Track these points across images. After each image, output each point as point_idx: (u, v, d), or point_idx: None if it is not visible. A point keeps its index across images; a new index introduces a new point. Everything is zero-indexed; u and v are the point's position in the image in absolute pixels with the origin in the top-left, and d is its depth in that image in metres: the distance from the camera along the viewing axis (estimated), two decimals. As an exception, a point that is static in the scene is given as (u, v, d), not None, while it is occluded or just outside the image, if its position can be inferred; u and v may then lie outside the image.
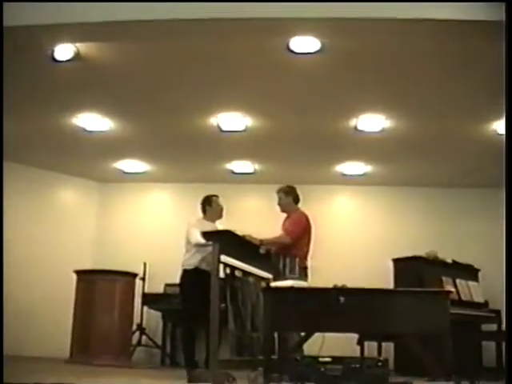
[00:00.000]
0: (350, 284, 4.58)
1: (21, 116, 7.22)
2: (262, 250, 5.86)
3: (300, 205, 6.52)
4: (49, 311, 8.61)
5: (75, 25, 4.77)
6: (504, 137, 4.42)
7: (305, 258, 6.17)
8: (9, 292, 8.03)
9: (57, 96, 6.62)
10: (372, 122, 6.96)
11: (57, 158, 8.85)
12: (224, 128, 7.22)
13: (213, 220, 6.19)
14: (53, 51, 5.50)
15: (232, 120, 7.05)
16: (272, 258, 6.06)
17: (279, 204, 6.44)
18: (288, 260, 5.99)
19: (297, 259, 6.03)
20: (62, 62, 5.61)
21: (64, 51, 5.52)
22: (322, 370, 3.98)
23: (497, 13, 4.17)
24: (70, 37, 5.23)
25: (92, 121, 7.28)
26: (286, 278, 5.71)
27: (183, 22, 4.68)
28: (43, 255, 8.94)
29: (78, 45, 5.44)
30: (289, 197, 6.41)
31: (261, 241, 5.93)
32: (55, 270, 8.72)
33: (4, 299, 7.57)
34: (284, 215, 6.47)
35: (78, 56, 5.56)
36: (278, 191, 6.44)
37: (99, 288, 7.70)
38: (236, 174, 8.99)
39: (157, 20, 4.64)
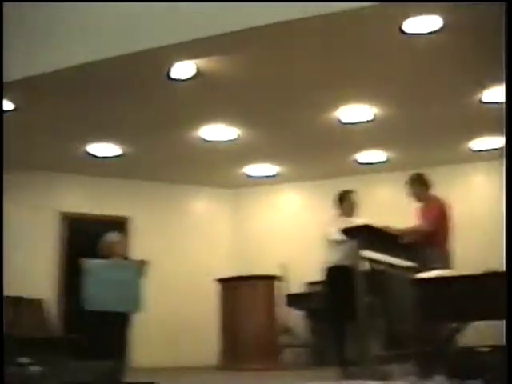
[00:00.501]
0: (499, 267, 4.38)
1: (152, 137, 7.67)
2: (403, 241, 5.76)
3: (434, 190, 6.32)
4: (193, 321, 8.95)
5: (197, 41, 4.93)
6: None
7: (446, 244, 6.01)
8: (158, 306, 8.41)
9: (179, 112, 6.93)
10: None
11: (187, 171, 9.24)
12: (345, 120, 7.20)
13: (349, 215, 6.15)
14: (169, 70, 5.75)
15: (357, 112, 7.01)
16: (415, 248, 5.94)
17: (411, 195, 6.28)
18: (430, 249, 5.85)
19: (438, 247, 5.88)
20: (181, 80, 5.86)
21: (183, 69, 5.75)
22: (483, 360, 3.82)
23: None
24: (189, 54, 5.42)
25: (218, 131, 7.52)
26: (431, 268, 5.55)
27: (307, 19, 4.72)
28: (184, 266, 9.31)
29: (197, 61, 5.64)
30: (419, 185, 6.23)
31: (401, 232, 5.84)
32: (199, 280, 9.03)
33: (153, 313, 7.92)
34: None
35: (198, 72, 5.76)
36: (407, 182, 6.29)
37: (242, 294, 7.91)
38: (365, 164, 8.91)
39: (282, 22, 4.71)
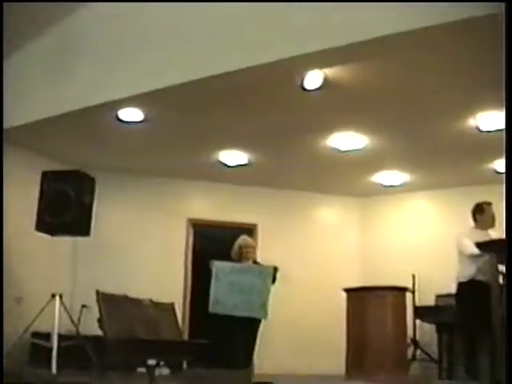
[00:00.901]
0: None
1: (281, 146, 7.83)
2: None
3: None
4: (320, 329, 8.95)
5: (325, 51, 4.95)
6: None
7: None
8: (287, 316, 8.51)
9: (309, 120, 6.97)
10: None
11: (315, 180, 9.29)
12: (483, 128, 6.95)
13: (485, 228, 5.96)
14: (303, 80, 5.83)
15: (491, 119, 6.75)
16: None
17: None
18: None
19: None
20: (312, 90, 5.92)
21: (313, 78, 5.81)
22: None
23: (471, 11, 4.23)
24: (320, 63, 5.46)
25: (347, 140, 7.52)
26: None
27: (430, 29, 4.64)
28: (310, 274, 9.35)
29: (326, 70, 5.67)
30: None
31: None
32: (325, 289, 9.04)
33: (280, 320, 8.00)
34: None
35: (326, 81, 5.78)
36: None
37: (370, 304, 7.82)
38: (500, 173, 8.55)
39: (407, 31, 4.63)
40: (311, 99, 6.29)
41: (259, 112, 6.79)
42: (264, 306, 6.55)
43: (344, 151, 7.78)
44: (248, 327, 6.75)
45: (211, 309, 6.67)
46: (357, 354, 7.83)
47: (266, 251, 8.30)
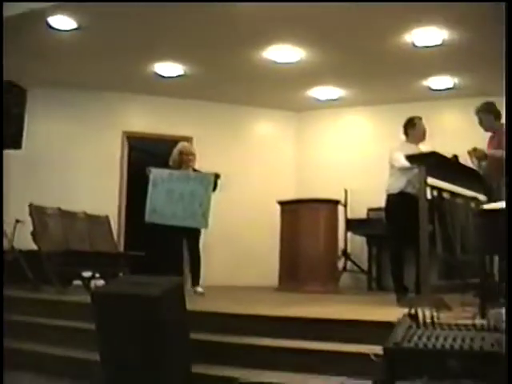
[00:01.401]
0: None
1: (216, 57, 7.72)
2: (480, 171, 5.76)
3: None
4: (257, 243, 9.18)
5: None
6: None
7: None
8: (224, 226, 8.65)
9: (244, 32, 6.94)
10: None
11: (250, 92, 9.25)
12: (418, 44, 7.05)
13: (416, 142, 6.11)
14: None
15: (427, 35, 6.85)
16: (484, 178, 5.90)
17: (481, 124, 6.16)
18: (503, 180, 5.79)
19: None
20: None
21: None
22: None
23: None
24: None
25: (283, 52, 7.49)
26: (501, 199, 5.47)
27: None
28: (249, 187, 9.48)
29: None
30: (490, 114, 6.08)
31: (485, 154, 5.81)
32: (261, 202, 9.22)
33: (217, 234, 8.15)
34: (488, 135, 6.20)
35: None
36: (477, 112, 6.14)
37: (303, 217, 8.03)
38: (434, 90, 8.75)
39: None
40: (247, 10, 6.22)
41: (195, 23, 6.68)
42: (205, 216, 6.34)
43: (280, 63, 7.76)
44: (189, 237, 6.62)
45: (148, 218, 6.40)
46: (290, 265, 8.05)
47: (201, 164, 8.35)
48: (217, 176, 6.54)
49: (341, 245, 8.66)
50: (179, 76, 8.42)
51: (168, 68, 8.21)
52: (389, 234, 6.20)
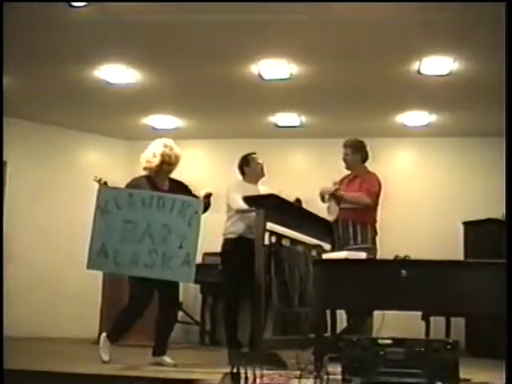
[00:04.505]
0: (416, 252, 4.48)
1: (31, 69, 7.28)
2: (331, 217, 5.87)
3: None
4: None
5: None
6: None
7: (375, 224, 6.10)
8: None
9: (77, 47, 6.61)
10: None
11: (78, 115, 8.88)
12: (266, 77, 7.15)
13: (254, 181, 6.12)
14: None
15: (275, 68, 6.96)
16: (334, 224, 6.01)
17: (344, 160, 6.25)
18: (359, 227, 5.92)
19: (368, 226, 5.97)
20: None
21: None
22: (382, 353, 3.91)
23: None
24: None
25: (116, 73, 7.28)
26: (357, 248, 5.50)
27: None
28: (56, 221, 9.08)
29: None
30: (357, 154, 6.20)
31: (341, 196, 5.91)
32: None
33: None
34: (343, 173, 6.33)
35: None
36: (345, 145, 6.22)
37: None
38: (280, 127, 8.92)
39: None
40: (78, 16, 5.90)
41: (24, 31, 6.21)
42: (188, 261, 4.89)
43: (114, 85, 7.55)
44: (162, 293, 5.28)
45: (91, 265, 4.82)
46: (111, 318, 7.82)
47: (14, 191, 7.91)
48: (207, 196, 5.35)
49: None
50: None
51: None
52: (224, 282, 6.16)
